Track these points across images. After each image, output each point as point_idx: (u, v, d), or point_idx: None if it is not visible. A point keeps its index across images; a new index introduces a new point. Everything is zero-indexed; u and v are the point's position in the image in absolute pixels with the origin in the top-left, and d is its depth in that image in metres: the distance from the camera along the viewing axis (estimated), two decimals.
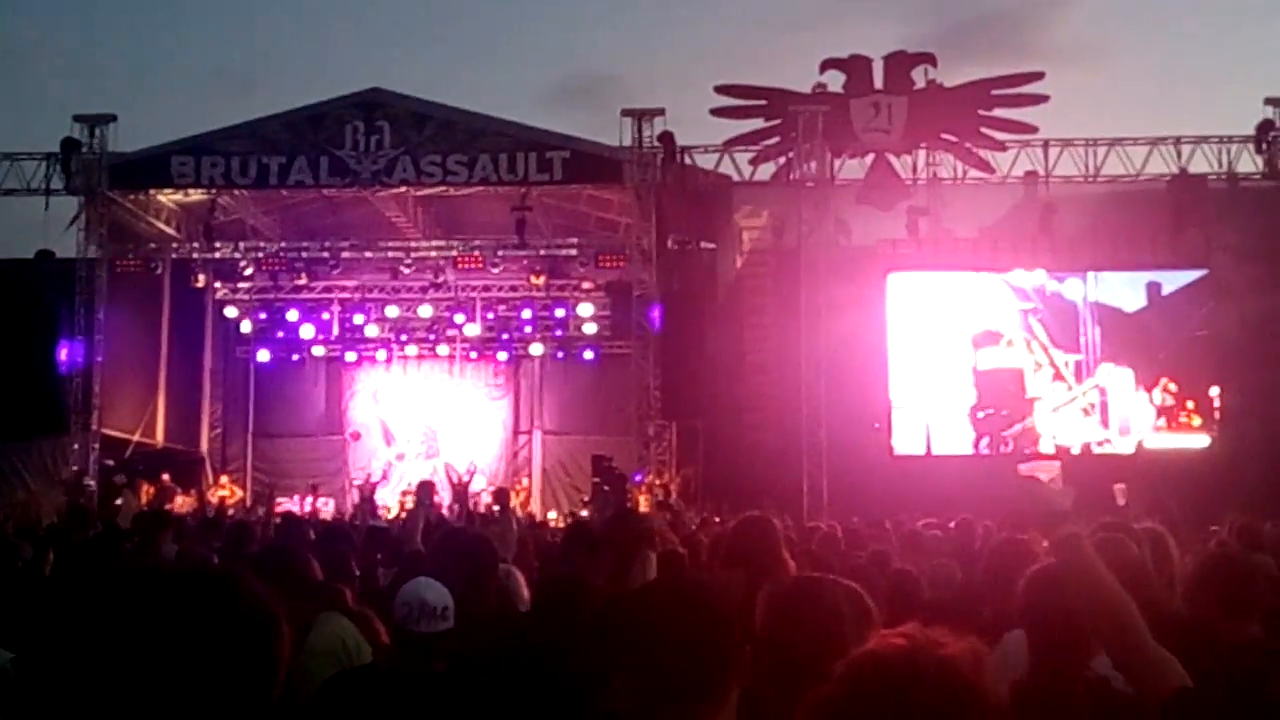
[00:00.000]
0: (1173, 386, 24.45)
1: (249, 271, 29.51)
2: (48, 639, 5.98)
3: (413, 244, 28.67)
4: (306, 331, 31.47)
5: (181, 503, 25.66)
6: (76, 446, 25.36)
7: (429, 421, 32.33)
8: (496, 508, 11.60)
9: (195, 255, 28.61)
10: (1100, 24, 60.34)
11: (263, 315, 31.69)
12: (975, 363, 24.83)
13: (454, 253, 28.23)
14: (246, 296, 31.33)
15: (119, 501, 23.64)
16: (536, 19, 67.66)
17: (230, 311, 31.44)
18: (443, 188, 25.73)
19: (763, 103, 25.71)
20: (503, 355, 32.21)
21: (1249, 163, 25.54)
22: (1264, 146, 25.32)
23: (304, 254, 28.56)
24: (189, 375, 30.90)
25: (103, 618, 2.13)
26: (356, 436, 32.52)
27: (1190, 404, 24.43)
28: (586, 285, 29.75)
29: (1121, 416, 24.56)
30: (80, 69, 59.09)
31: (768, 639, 3.23)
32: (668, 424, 25.83)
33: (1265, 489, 19.51)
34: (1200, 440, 24.24)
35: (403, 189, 26.09)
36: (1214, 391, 24.37)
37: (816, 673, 2.36)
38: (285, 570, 6.10)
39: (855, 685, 2.23)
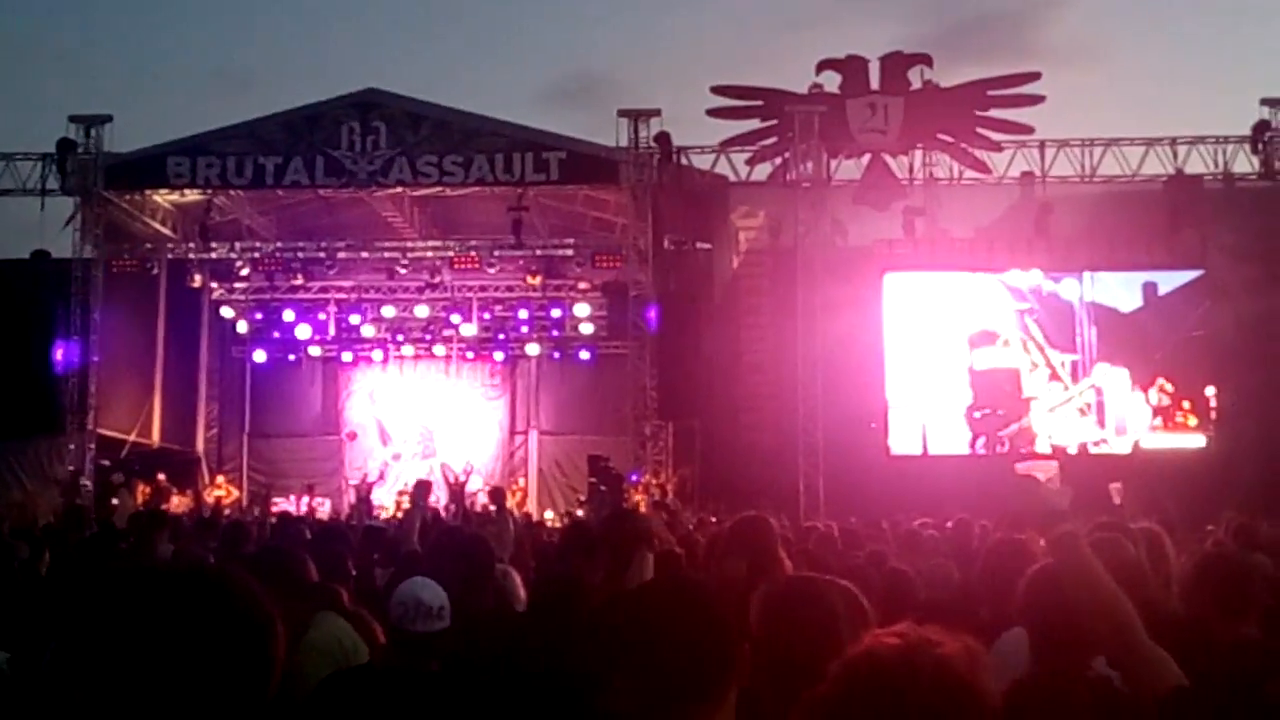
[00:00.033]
0: (1169, 386, 24.46)
1: (245, 272, 29.50)
2: (44, 639, 5.98)
3: (409, 244, 28.67)
4: (303, 332, 31.46)
5: (177, 503, 25.64)
6: (73, 446, 25.35)
7: (425, 421, 32.34)
8: (493, 507, 11.61)
9: (191, 255, 28.59)
10: (1096, 25, 60.46)
11: (259, 315, 31.68)
12: (971, 363, 24.84)
13: (450, 253, 28.22)
14: (243, 297, 31.32)
15: (115, 501, 23.64)
16: (533, 19, 67.70)
17: (226, 312, 31.43)
18: (439, 188, 25.73)
19: (759, 103, 25.71)
20: (499, 355, 32.23)
21: (1245, 163, 25.58)
22: (1260, 147, 25.34)
23: (300, 254, 28.55)
24: (185, 375, 30.88)
25: (97, 617, 2.13)
26: (353, 436, 32.52)
27: (1186, 404, 24.45)
28: (583, 285, 29.75)
29: (1118, 416, 24.57)
30: (76, 69, 59.08)
31: (763, 639, 3.23)
32: (664, 424, 25.85)
33: (1261, 489, 19.55)
34: (1196, 440, 24.25)
35: (399, 189, 26.08)
36: (1210, 391, 24.37)
37: (812, 672, 2.36)
38: (281, 570, 6.09)
39: (851, 685, 2.22)
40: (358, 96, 25.48)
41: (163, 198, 27.29)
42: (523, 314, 31.17)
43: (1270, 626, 4.80)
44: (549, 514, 28.77)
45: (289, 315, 31.28)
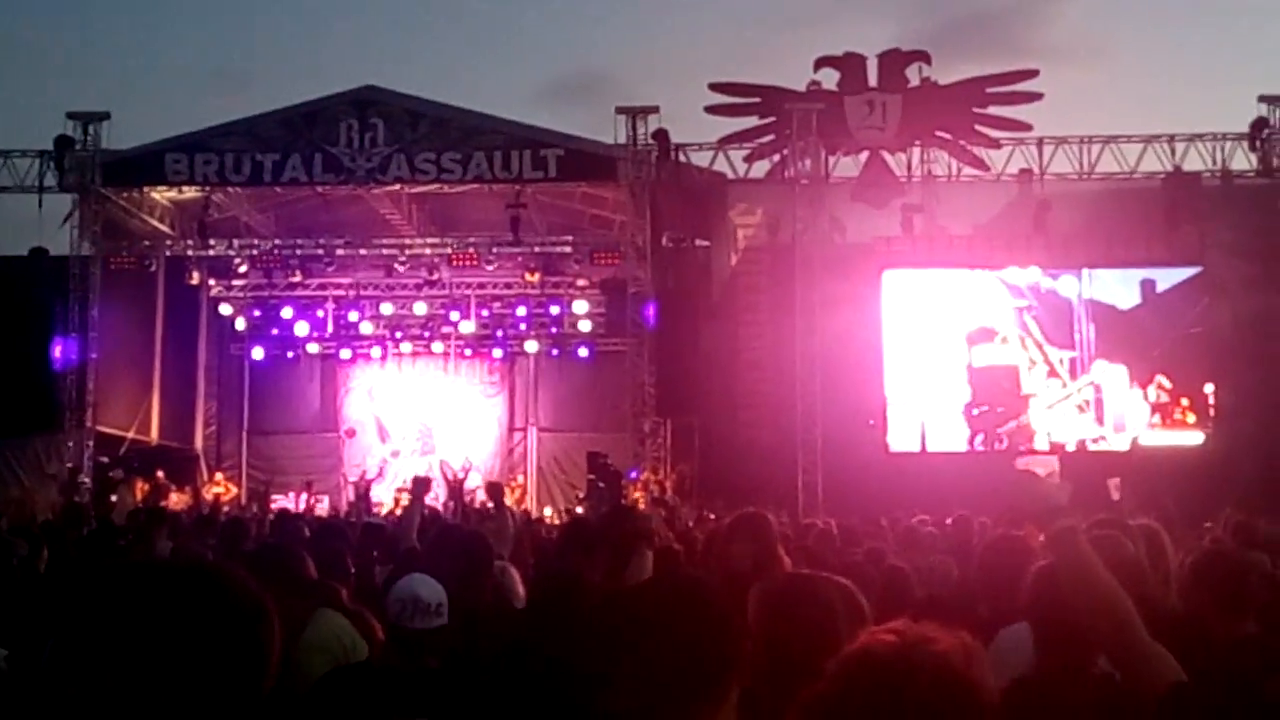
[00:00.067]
0: (1167, 383, 24.46)
1: (243, 269, 29.50)
2: (43, 636, 5.98)
3: (407, 241, 28.67)
4: (301, 329, 31.44)
5: (176, 500, 25.62)
6: (71, 444, 25.34)
7: (424, 419, 32.32)
8: (490, 503, 11.58)
9: (189, 252, 28.59)
10: (1094, 22, 60.43)
11: (257, 312, 31.65)
12: (970, 360, 24.84)
13: (449, 250, 28.22)
14: (241, 294, 31.30)
15: (114, 498, 23.65)
16: (531, 17, 67.66)
17: (225, 309, 31.40)
18: (437, 185, 25.73)
19: (757, 100, 25.71)
20: (498, 352, 32.21)
21: (1243, 160, 25.59)
22: (1258, 144, 25.34)
23: (298, 251, 28.55)
24: (183, 372, 30.87)
25: (91, 611, 2.14)
26: (351, 434, 32.50)
27: (1185, 401, 24.45)
28: (581, 282, 29.77)
29: (1116, 413, 24.58)
30: (74, 66, 59.02)
31: (761, 636, 3.23)
32: (663, 421, 25.86)
33: (1259, 486, 19.56)
34: (1195, 437, 24.25)
35: (397, 186, 26.08)
36: (1208, 389, 24.37)
37: (810, 670, 2.36)
38: (280, 568, 6.10)
39: (847, 682, 2.22)
40: (356, 94, 25.47)
41: (161, 195, 27.29)
42: (521, 311, 31.15)
43: (1269, 623, 4.81)
44: (547, 511, 28.77)
45: (287, 312, 31.26)
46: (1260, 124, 25.26)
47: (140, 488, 25.13)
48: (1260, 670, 3.79)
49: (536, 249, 28.27)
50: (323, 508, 28.13)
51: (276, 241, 28.59)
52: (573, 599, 5.26)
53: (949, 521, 12.08)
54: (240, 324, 31.74)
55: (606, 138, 25.10)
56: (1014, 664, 3.82)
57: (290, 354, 32.18)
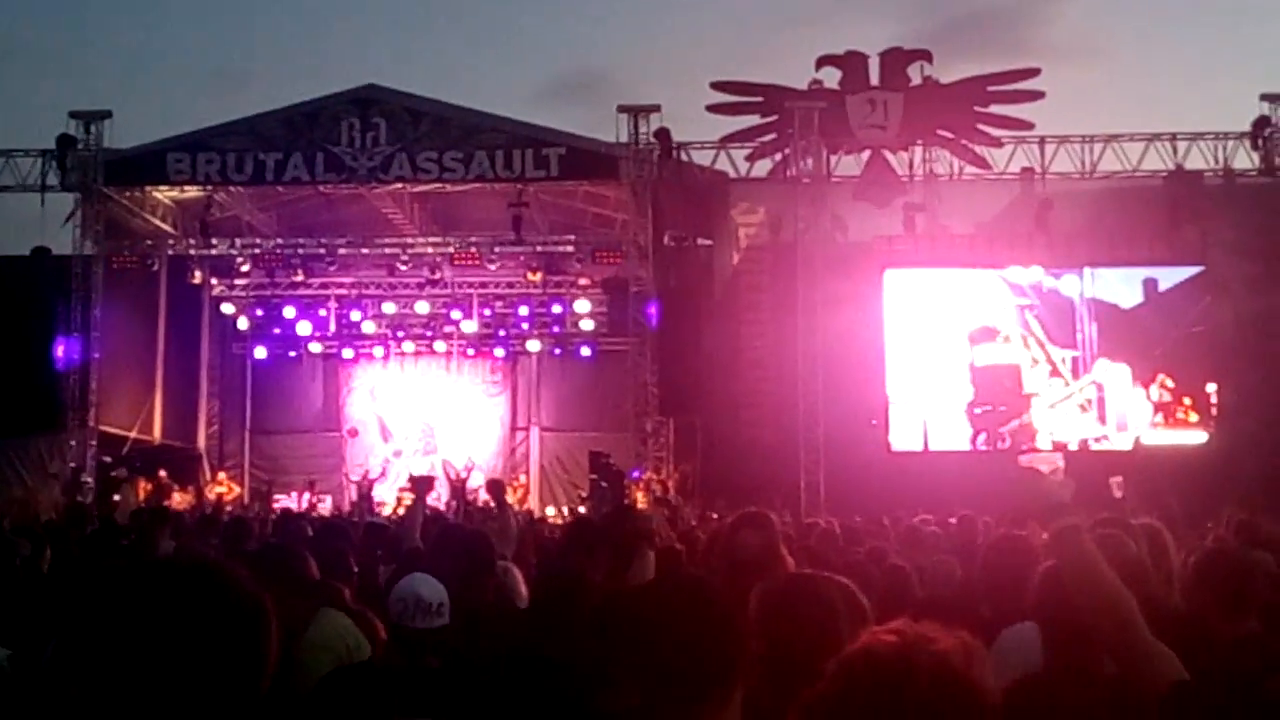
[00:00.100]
0: (1170, 382, 24.45)
1: (246, 268, 29.51)
2: (46, 636, 5.98)
3: (409, 240, 28.66)
4: (303, 328, 31.45)
5: (179, 499, 25.65)
6: (74, 443, 25.34)
7: (426, 418, 32.32)
8: (491, 501, 11.58)
9: (192, 252, 28.61)
10: (1096, 21, 60.36)
11: (259, 312, 31.66)
12: (972, 359, 24.83)
13: (451, 249, 28.22)
14: (243, 293, 31.31)
15: (116, 498, 23.67)
16: (532, 15, 67.68)
17: (227, 308, 31.42)
18: (439, 184, 25.73)
19: (759, 99, 25.71)
20: (500, 352, 32.21)
21: (1245, 159, 25.61)
22: (1260, 143, 25.35)
23: (300, 250, 28.56)
24: (186, 372, 30.88)
25: (91, 610, 2.14)
26: (354, 433, 32.50)
27: (1187, 400, 24.44)
28: (583, 281, 29.77)
29: (1119, 412, 24.58)
30: (76, 66, 59.05)
31: (762, 635, 3.23)
32: (665, 420, 25.85)
33: (1262, 484, 19.54)
34: (1197, 436, 24.25)
35: (399, 185, 26.08)
36: (1211, 388, 24.37)
37: (811, 670, 2.36)
38: (283, 567, 6.11)
39: (848, 682, 2.22)
40: (357, 93, 25.48)
41: (163, 194, 27.30)
42: (523, 310, 31.15)
43: (1271, 623, 4.81)
44: (550, 510, 28.77)
45: (290, 312, 31.27)
46: (1262, 123, 25.26)
47: (143, 487, 25.16)
48: (1262, 669, 3.79)
49: (538, 248, 28.28)
50: (325, 507, 28.13)
51: (278, 241, 28.60)
52: (575, 599, 5.26)
53: (953, 521, 12.07)
54: (243, 323, 31.75)
55: (608, 136, 25.13)
56: (1017, 664, 3.82)
57: (292, 353, 32.19)
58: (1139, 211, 24.74)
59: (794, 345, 24.42)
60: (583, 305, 30.27)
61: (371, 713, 4.68)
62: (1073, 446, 23.93)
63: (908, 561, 8.03)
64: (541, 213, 27.27)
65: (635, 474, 24.85)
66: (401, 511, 19.37)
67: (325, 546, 7.41)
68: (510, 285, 30.60)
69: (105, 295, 25.90)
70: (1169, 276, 24.94)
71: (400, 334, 31.97)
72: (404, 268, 29.09)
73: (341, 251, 28.56)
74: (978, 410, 24.58)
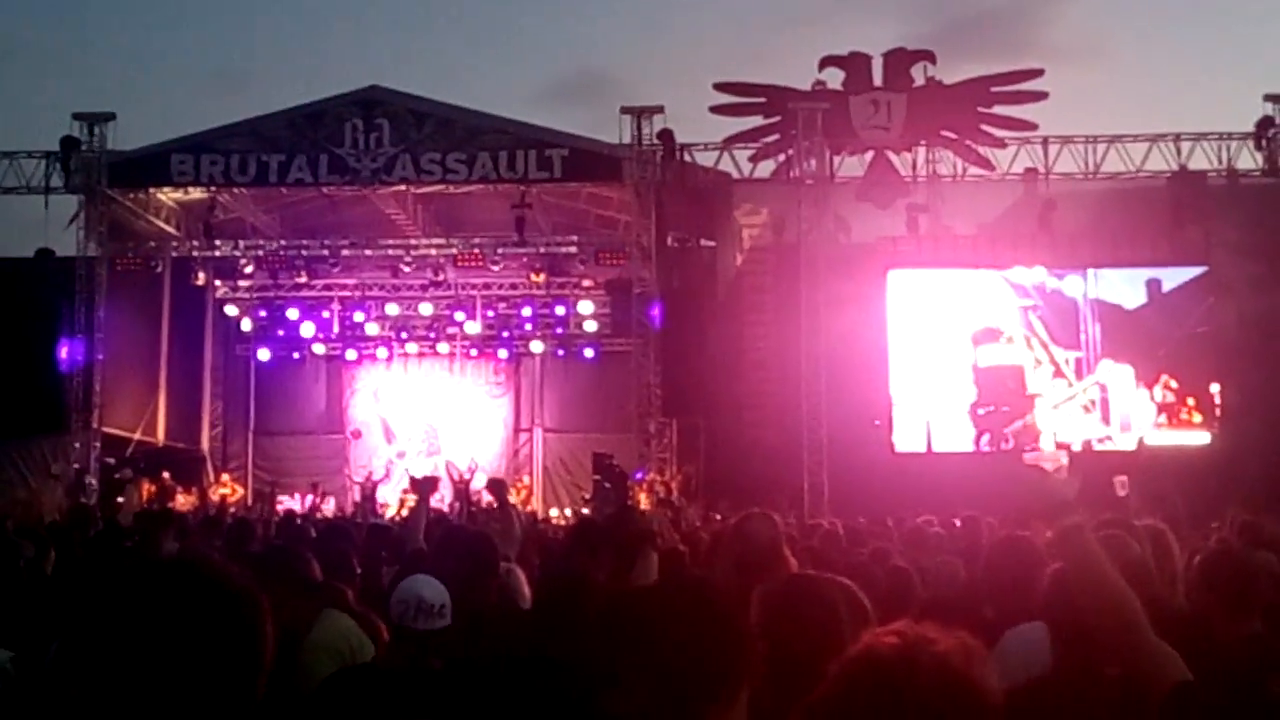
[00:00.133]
0: (1173, 383, 24.45)
1: (249, 269, 29.51)
2: (50, 637, 5.99)
3: (413, 242, 28.67)
4: (307, 329, 31.48)
5: (182, 501, 25.68)
6: (78, 445, 25.36)
7: (430, 419, 32.34)
8: (493, 500, 11.55)
9: (195, 253, 28.62)
10: (1099, 21, 60.27)
11: (263, 313, 31.68)
12: (975, 360, 24.84)
13: (454, 250, 28.22)
14: (247, 295, 31.33)
15: (120, 499, 23.68)
16: (535, 16, 67.63)
17: (231, 310, 31.44)
18: (442, 185, 25.74)
19: (762, 100, 25.71)
20: (503, 353, 32.22)
21: (1249, 159, 25.57)
22: (1263, 143, 25.32)
23: (304, 252, 28.56)
24: (190, 373, 30.91)
25: (86, 611, 2.16)
26: (357, 434, 32.51)
27: (1191, 401, 24.44)
28: (586, 283, 29.77)
29: (1122, 413, 24.57)
30: (79, 67, 59.05)
31: (764, 636, 3.23)
32: (668, 421, 25.84)
33: (1265, 485, 19.54)
34: (1201, 437, 24.24)
35: (402, 187, 26.09)
36: (1214, 388, 24.37)
37: (813, 670, 2.36)
38: (286, 569, 6.12)
39: (850, 684, 2.22)
40: (361, 94, 25.49)
41: (167, 195, 27.31)
42: (526, 311, 31.16)
43: (1275, 623, 4.80)
44: (554, 511, 28.78)
45: (293, 313, 31.30)
46: (1266, 123, 25.23)
47: (146, 489, 25.17)
48: (1265, 669, 3.78)
49: (542, 249, 28.29)
50: (328, 508, 28.13)
51: (282, 242, 28.62)
52: (579, 600, 5.26)
53: (958, 523, 12.06)
54: (246, 325, 31.77)
55: (611, 138, 25.12)
56: (1020, 665, 3.82)
57: (296, 355, 32.23)
58: (1142, 212, 24.72)
59: (797, 346, 24.42)
60: (586, 306, 30.28)
61: (374, 714, 4.68)
62: (1076, 447, 23.92)
63: (912, 563, 8.02)
64: (545, 214, 27.28)
65: (639, 475, 24.84)
66: (405, 513, 19.40)
67: (328, 548, 7.41)
68: (514, 286, 30.62)
69: (109, 297, 25.92)
70: (1172, 277, 24.93)
71: (403, 335, 31.98)
72: (407, 269, 29.11)
73: (345, 253, 28.57)
74: (981, 411, 24.58)
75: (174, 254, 28.51)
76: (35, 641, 6.07)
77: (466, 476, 19.34)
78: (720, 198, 26.11)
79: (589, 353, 31.40)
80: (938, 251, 25.15)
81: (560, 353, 32.01)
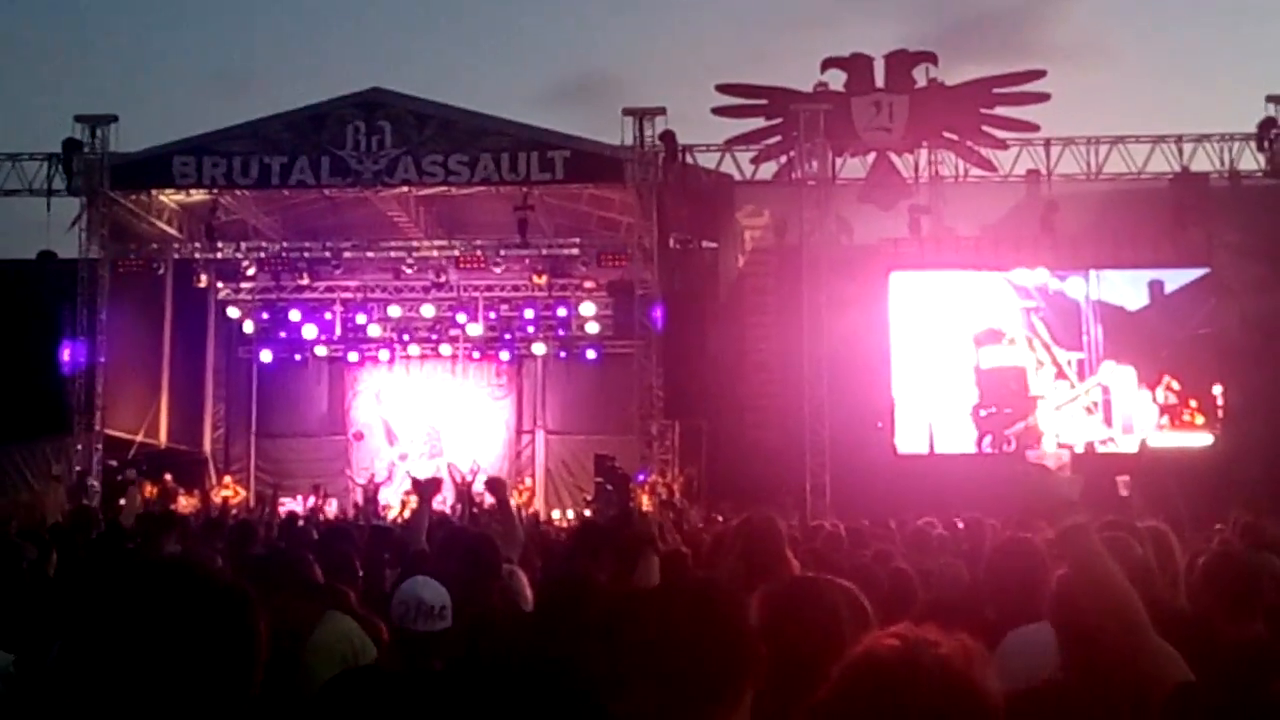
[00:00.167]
0: (1175, 385, 24.44)
1: (251, 271, 29.51)
2: (53, 639, 5.99)
3: (415, 244, 28.66)
4: (309, 331, 31.47)
5: (184, 503, 25.65)
6: (80, 447, 25.37)
7: (432, 421, 32.34)
8: (491, 499, 11.51)
9: (197, 255, 28.60)
10: (1101, 22, 60.23)
11: (265, 315, 31.67)
12: (977, 361, 24.83)
13: (456, 252, 28.22)
14: (249, 297, 31.32)
15: (122, 501, 23.66)
16: (537, 18, 67.61)
17: (233, 312, 31.43)
18: (444, 187, 25.74)
19: (764, 102, 25.73)
20: (505, 355, 32.20)
21: (1251, 160, 25.57)
22: (1266, 144, 25.32)
23: (306, 254, 28.56)
24: (192, 375, 30.92)
25: (82, 613, 2.18)
26: (359, 436, 32.52)
27: (1193, 402, 24.43)
28: (589, 285, 29.76)
29: (1124, 415, 24.55)
30: (81, 69, 59.10)
31: (765, 639, 3.23)
32: (670, 423, 25.84)
33: (1268, 487, 19.52)
34: (1203, 439, 24.23)
35: (404, 189, 26.09)
36: (1217, 390, 24.36)
37: (814, 672, 2.36)
38: (288, 571, 6.12)
39: (851, 687, 2.22)
40: (363, 96, 25.50)
41: (169, 198, 27.32)
42: (529, 313, 31.13)
43: (1277, 625, 4.80)
44: (555, 513, 28.77)
45: (295, 315, 31.30)
46: (1268, 124, 25.22)
47: (148, 491, 25.16)
48: (1266, 672, 3.78)
49: (544, 251, 28.27)
50: (330, 510, 28.12)
51: (284, 244, 28.61)
52: (581, 602, 5.26)
53: (961, 525, 12.04)
54: (248, 327, 31.77)
55: (613, 139, 25.11)
56: (1023, 667, 3.81)
57: (298, 357, 32.22)
58: (1144, 213, 24.73)
59: (799, 348, 24.42)
60: (588, 308, 30.27)
61: (376, 716, 4.68)
62: (1078, 449, 23.93)
63: (915, 565, 8.00)
64: (547, 216, 27.28)
65: (641, 477, 24.83)
66: (407, 515, 19.40)
67: (330, 550, 7.41)
68: (515, 288, 30.60)
69: (111, 299, 25.94)
70: (1175, 278, 24.93)
71: (406, 337, 31.97)
72: (409, 271, 29.11)
73: (347, 255, 28.56)
74: (983, 413, 24.58)
75: (176, 256, 28.50)
76: (38, 643, 6.08)
77: (469, 478, 19.32)
78: (722, 199, 26.12)
79: (591, 354, 31.39)
80: (940, 253, 25.15)
81: (562, 354, 32.00)
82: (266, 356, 32.11)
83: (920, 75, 25.71)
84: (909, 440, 24.62)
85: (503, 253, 27.65)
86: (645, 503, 23.08)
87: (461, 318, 31.10)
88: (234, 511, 24.79)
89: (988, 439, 24.43)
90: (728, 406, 25.22)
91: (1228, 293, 24.07)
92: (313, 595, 6.09)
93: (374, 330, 31.66)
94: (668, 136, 25.00)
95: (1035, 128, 25.43)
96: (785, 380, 24.81)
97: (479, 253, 27.70)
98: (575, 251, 28.44)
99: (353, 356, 32.42)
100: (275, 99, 59.70)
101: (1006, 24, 59.98)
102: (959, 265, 25.05)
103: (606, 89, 59.60)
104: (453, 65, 59.17)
